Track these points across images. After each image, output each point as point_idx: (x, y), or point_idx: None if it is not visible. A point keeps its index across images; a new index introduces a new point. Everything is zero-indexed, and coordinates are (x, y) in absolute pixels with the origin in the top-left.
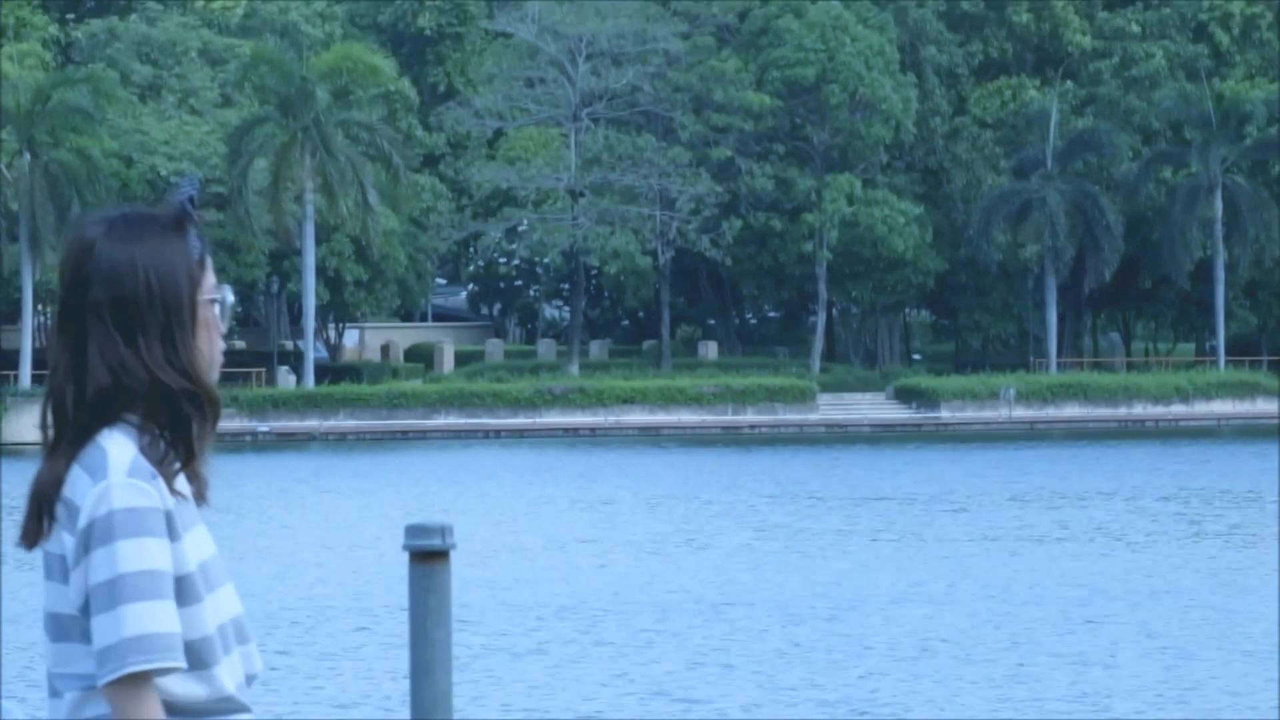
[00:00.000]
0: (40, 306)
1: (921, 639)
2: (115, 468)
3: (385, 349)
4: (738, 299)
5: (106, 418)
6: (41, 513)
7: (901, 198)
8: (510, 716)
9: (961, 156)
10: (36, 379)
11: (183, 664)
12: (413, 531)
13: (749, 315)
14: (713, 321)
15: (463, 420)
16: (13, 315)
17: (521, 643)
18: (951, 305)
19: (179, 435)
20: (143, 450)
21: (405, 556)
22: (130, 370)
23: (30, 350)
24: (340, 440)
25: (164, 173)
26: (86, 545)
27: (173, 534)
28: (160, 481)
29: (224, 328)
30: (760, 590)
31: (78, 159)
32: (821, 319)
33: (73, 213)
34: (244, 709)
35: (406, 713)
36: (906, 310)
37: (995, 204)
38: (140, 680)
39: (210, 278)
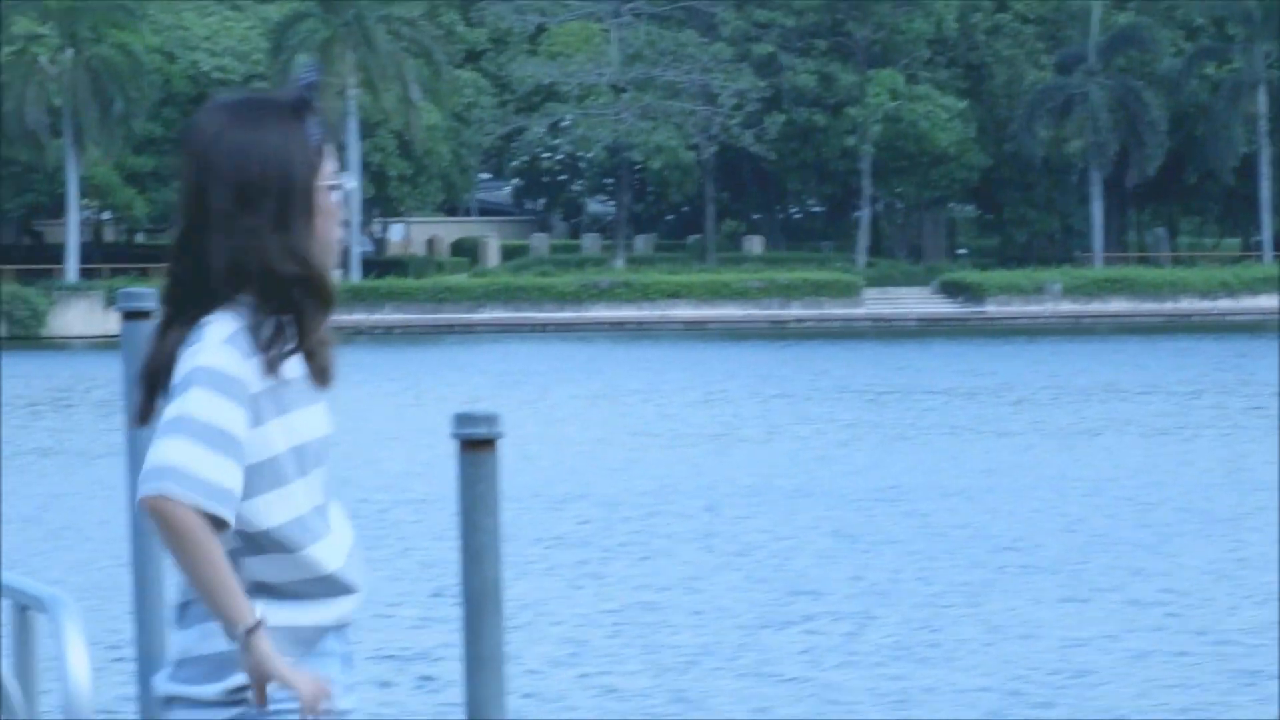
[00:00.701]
0: (85, 201)
1: (997, 534)
2: (212, 335)
3: (431, 243)
4: (782, 194)
5: (220, 300)
6: (154, 390)
7: (944, 93)
8: (560, 607)
9: (1003, 52)
10: (84, 273)
11: (222, 513)
12: (461, 420)
13: (793, 210)
14: (757, 216)
15: (508, 314)
16: (58, 210)
17: (571, 534)
18: (996, 200)
19: (293, 320)
20: (248, 329)
21: (452, 448)
22: (247, 254)
23: (77, 245)
24: (386, 334)
25: (206, 68)
26: (171, 397)
27: (256, 418)
28: (256, 362)
29: (343, 215)
30: (825, 481)
31: (120, 54)
32: (866, 214)
33: (116, 108)
34: (350, 589)
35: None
36: (951, 205)
37: (1038, 99)
38: (172, 510)
39: (330, 164)
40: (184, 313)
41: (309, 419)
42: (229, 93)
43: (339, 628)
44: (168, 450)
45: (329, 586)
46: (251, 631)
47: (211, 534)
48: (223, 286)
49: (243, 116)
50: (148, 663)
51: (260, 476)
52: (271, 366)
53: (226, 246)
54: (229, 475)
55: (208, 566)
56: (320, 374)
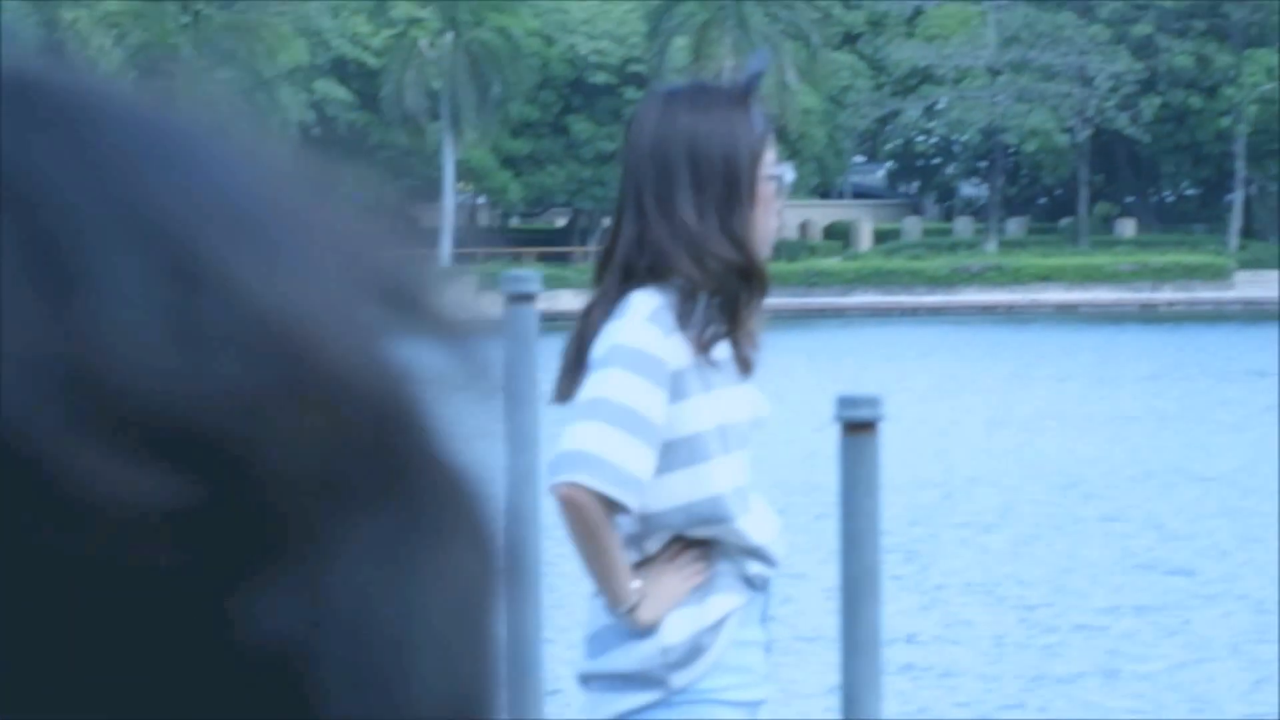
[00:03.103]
0: (460, 185)
1: None
2: (635, 311)
3: (803, 226)
4: (1155, 176)
5: (653, 277)
6: (575, 367)
7: None
8: (935, 599)
9: None
10: (457, 257)
11: (629, 502)
12: (843, 403)
13: (1166, 193)
14: (1130, 199)
15: (880, 298)
16: (433, 194)
17: (955, 516)
18: None
19: (724, 304)
20: (673, 307)
21: (832, 431)
22: (686, 235)
23: (451, 228)
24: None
25: (583, 52)
26: (589, 372)
27: (678, 393)
28: (678, 338)
29: (781, 205)
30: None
31: (499, 38)
32: (1239, 196)
33: (494, 92)
34: (774, 562)
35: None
36: None
37: None
38: (583, 500)
39: (771, 154)
40: (612, 291)
41: (735, 400)
42: (679, 80)
43: (763, 610)
44: (583, 435)
45: (760, 555)
46: (633, 610)
47: (610, 521)
48: (657, 266)
49: (693, 102)
50: (520, 647)
51: (678, 452)
52: (702, 346)
53: (667, 228)
54: (641, 462)
55: (602, 553)
56: (744, 363)
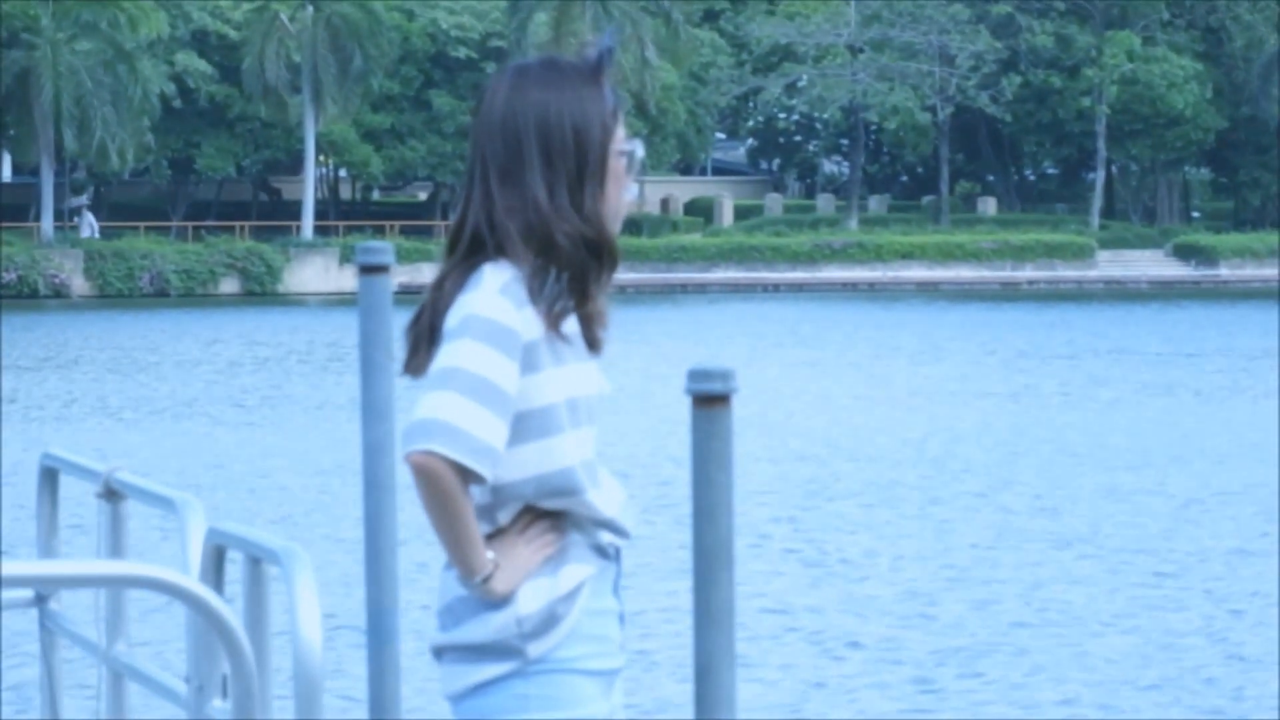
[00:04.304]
0: (321, 158)
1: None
2: (487, 284)
3: (665, 203)
4: (1017, 155)
5: (503, 251)
6: (425, 340)
7: (1181, 55)
8: (787, 565)
9: (1243, 17)
10: (319, 230)
11: (483, 472)
12: (695, 375)
13: (1028, 172)
14: (992, 178)
15: (741, 274)
16: (295, 167)
17: (801, 490)
18: (1231, 163)
19: (574, 279)
20: (524, 280)
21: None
22: (536, 210)
23: (312, 202)
24: (620, 293)
25: (444, 26)
26: (441, 343)
27: (529, 365)
28: (530, 311)
29: (631, 181)
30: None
31: (360, 11)
32: (1101, 176)
33: (355, 65)
34: (625, 533)
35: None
36: (1186, 168)
37: (1276, 62)
38: (437, 467)
39: (621, 130)
40: (462, 265)
41: (584, 374)
42: (530, 56)
43: (615, 581)
44: (437, 404)
45: (611, 527)
46: (487, 580)
47: (464, 490)
48: (509, 240)
49: (544, 77)
50: (378, 616)
51: (529, 424)
52: (552, 320)
53: (517, 202)
54: (495, 432)
55: (457, 522)
56: (593, 342)
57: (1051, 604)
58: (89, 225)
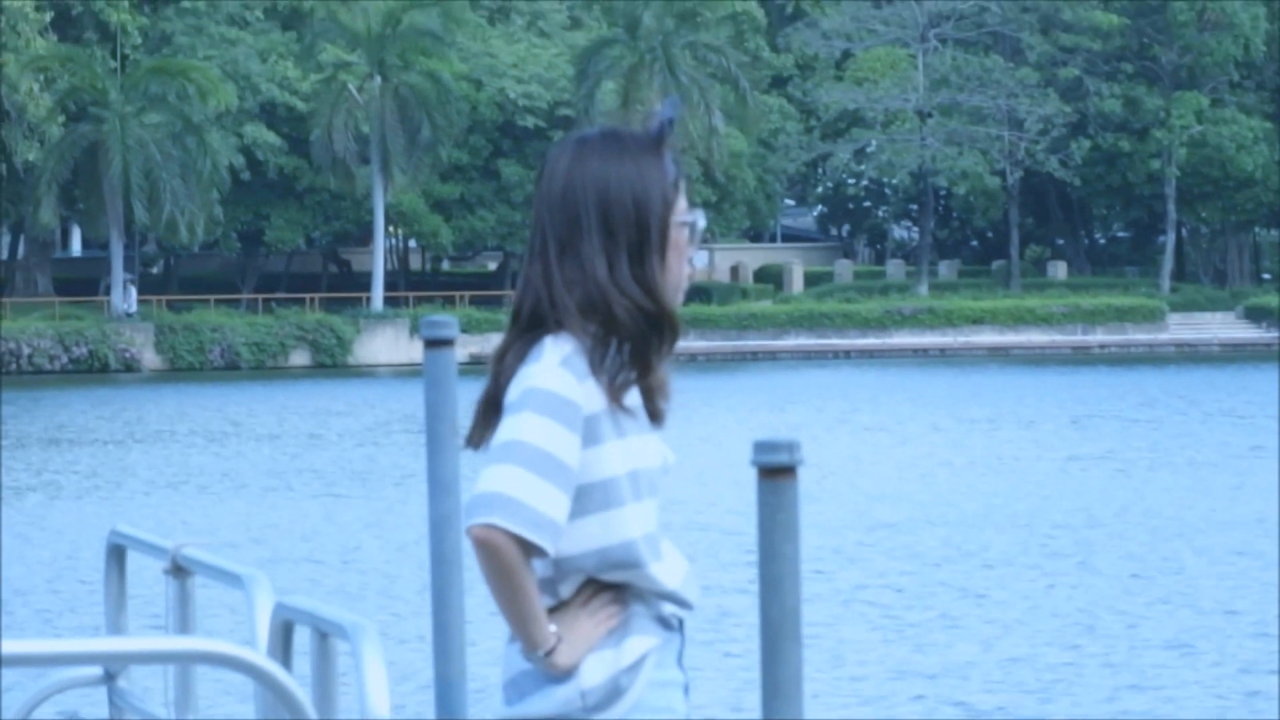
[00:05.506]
0: (390, 229)
1: None
2: (549, 357)
3: (734, 270)
4: (1086, 219)
5: (563, 325)
6: (489, 414)
7: (1250, 116)
8: (858, 641)
9: None
10: (389, 301)
11: (545, 545)
12: (761, 448)
13: (1098, 235)
14: (1061, 241)
15: (812, 341)
16: (364, 238)
17: (876, 559)
18: None
19: (635, 351)
20: (585, 353)
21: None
22: (597, 283)
23: (382, 273)
24: (690, 361)
25: (512, 95)
26: (503, 417)
27: (591, 438)
28: (591, 383)
29: (692, 252)
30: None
31: (427, 82)
32: (1171, 238)
33: (423, 135)
34: (688, 605)
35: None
36: (1256, 229)
37: None
38: (499, 541)
39: (683, 201)
40: (525, 336)
41: (646, 446)
42: (591, 127)
43: (679, 652)
44: (499, 478)
45: (674, 599)
46: (551, 653)
47: (526, 564)
48: (569, 313)
49: (605, 149)
50: (446, 689)
51: (591, 497)
52: (614, 393)
53: (576, 275)
54: (557, 505)
55: (519, 595)
56: (655, 414)
57: (1154, 669)
58: (128, 298)
